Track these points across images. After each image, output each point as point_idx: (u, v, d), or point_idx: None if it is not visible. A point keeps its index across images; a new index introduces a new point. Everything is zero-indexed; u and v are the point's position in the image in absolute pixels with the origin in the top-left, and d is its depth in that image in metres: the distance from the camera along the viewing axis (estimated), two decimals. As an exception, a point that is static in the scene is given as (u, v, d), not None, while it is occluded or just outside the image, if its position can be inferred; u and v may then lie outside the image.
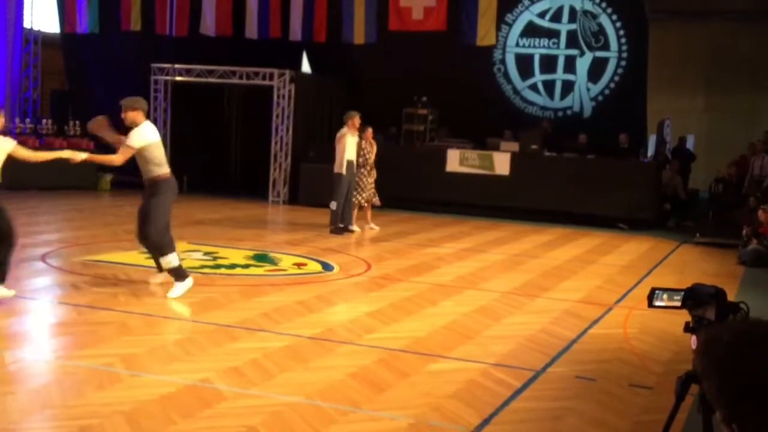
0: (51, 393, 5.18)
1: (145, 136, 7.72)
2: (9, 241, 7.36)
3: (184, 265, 8.23)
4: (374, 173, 13.11)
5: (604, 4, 17.49)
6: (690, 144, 18.57)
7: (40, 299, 7.67)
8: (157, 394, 5.14)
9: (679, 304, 2.95)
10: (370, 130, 13.02)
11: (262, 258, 10.28)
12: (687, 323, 2.94)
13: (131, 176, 17.53)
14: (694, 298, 2.91)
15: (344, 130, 12.58)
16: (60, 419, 4.71)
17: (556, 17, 17.76)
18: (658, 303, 2.99)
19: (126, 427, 4.58)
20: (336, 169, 12.62)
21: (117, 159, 7.83)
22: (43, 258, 9.46)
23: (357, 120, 12.60)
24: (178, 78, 17.18)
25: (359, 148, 12.79)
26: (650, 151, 17.15)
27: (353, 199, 12.87)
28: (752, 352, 1.87)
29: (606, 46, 17.51)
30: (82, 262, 9.34)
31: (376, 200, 13.22)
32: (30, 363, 5.86)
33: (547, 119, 17.50)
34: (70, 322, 6.93)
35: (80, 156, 7.64)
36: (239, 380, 5.53)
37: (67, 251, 10.12)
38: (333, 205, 12.62)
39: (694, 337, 2.83)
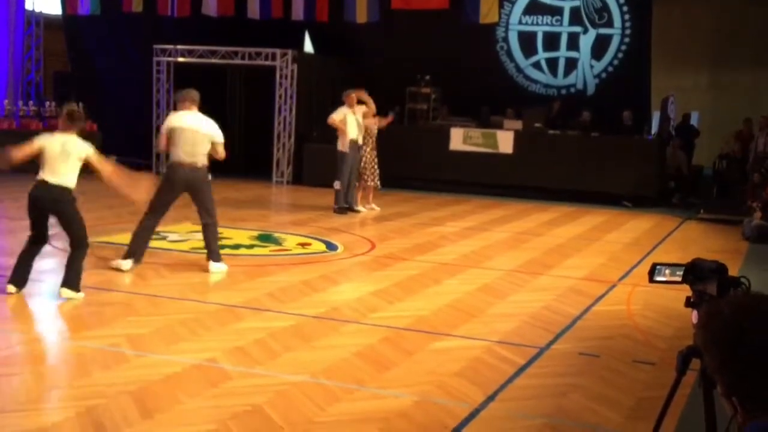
0: (58, 374, 5.22)
1: None
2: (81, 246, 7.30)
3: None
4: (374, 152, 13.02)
5: (607, -19, 17.38)
6: (694, 121, 18.52)
7: (46, 281, 7.69)
8: (163, 373, 5.18)
9: (680, 279, 2.96)
10: (353, 96, 12.58)
11: (266, 238, 10.30)
12: (688, 298, 2.95)
13: (133, 158, 17.60)
14: (695, 273, 2.92)
15: (344, 108, 12.53)
16: (67, 399, 4.75)
17: (559, -6, 17.67)
18: (659, 278, 3.00)
19: (132, 406, 4.62)
20: (339, 148, 12.60)
21: None
22: (48, 240, 9.46)
23: (353, 97, 12.53)
24: (180, 59, 17.13)
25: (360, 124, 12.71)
26: (654, 129, 17.10)
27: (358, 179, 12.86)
28: (753, 326, 1.88)
29: (609, 23, 17.41)
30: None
31: (377, 182, 13.11)
32: (36, 344, 5.90)
33: (558, 99, 17.39)
34: (76, 303, 6.96)
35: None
36: (244, 359, 5.56)
37: (72, 233, 10.12)
38: (337, 184, 12.61)
39: (695, 312, 2.84)
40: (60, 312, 6.83)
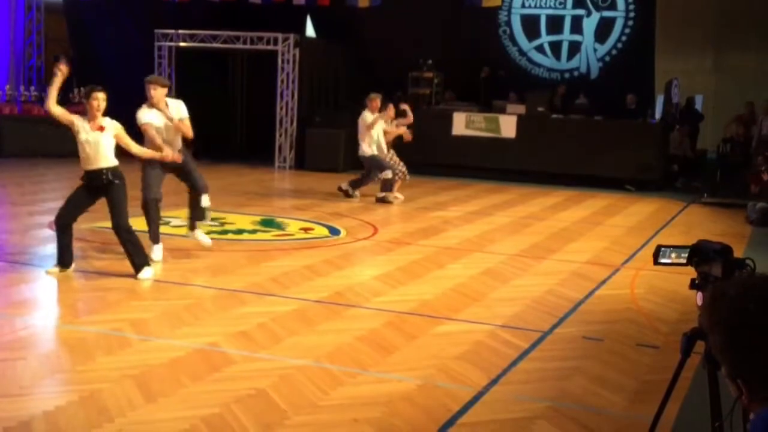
0: (61, 358, 5.23)
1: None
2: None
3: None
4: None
5: (610, -37, 17.28)
6: (698, 104, 18.43)
7: (49, 266, 7.69)
8: (166, 358, 5.19)
9: (685, 261, 2.95)
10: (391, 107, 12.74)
11: (268, 223, 10.30)
12: (693, 280, 2.94)
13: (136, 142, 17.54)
14: (700, 254, 2.90)
15: (368, 113, 12.29)
16: (70, 383, 4.75)
17: (563, -23, 17.57)
18: (664, 260, 2.99)
19: (136, 390, 4.63)
20: (368, 153, 12.34)
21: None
22: (50, 225, 9.46)
23: (378, 102, 12.43)
24: (182, 44, 17.07)
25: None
26: (658, 112, 17.04)
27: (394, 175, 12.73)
28: (758, 307, 1.87)
29: (613, 6, 17.32)
30: (89, 228, 9.35)
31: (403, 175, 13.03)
32: (40, 329, 5.91)
33: (563, 85, 17.30)
34: (79, 288, 6.97)
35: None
36: (248, 344, 5.56)
37: (75, 218, 10.12)
38: (388, 173, 12.34)
39: (699, 294, 2.84)
40: (63, 297, 6.84)
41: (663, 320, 6.64)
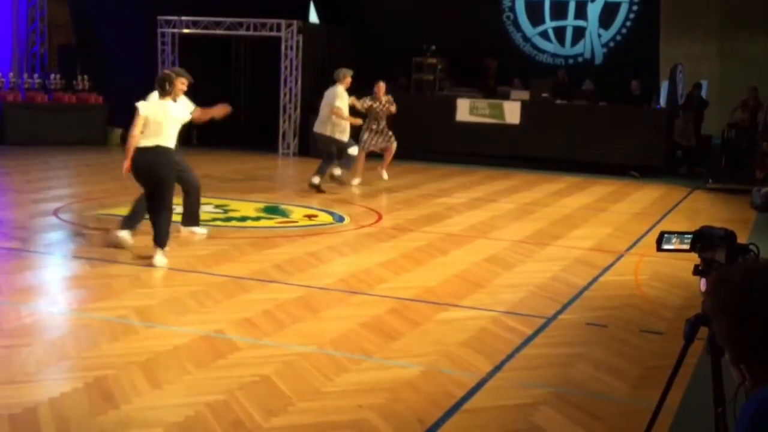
0: (66, 345, 5.24)
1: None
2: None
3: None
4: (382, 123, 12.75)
5: (615, -53, 17.18)
6: (703, 90, 18.36)
7: (54, 253, 7.72)
8: (171, 344, 5.20)
9: (688, 247, 2.95)
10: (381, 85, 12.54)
11: (273, 210, 10.30)
12: (696, 266, 2.93)
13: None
14: (703, 240, 2.90)
15: (341, 88, 12.07)
16: (76, 370, 4.77)
17: (567, -39, 17.47)
18: (667, 246, 2.98)
19: (141, 376, 4.65)
20: (338, 136, 11.98)
21: None
22: (55, 213, 9.50)
23: (350, 78, 12.26)
24: (185, 30, 17.03)
25: (373, 107, 12.52)
26: (663, 98, 16.98)
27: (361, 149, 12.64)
28: (762, 294, 1.87)
29: (617, -9, 17.23)
30: (94, 216, 9.38)
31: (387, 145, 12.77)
32: (45, 316, 5.93)
33: (564, 70, 17.24)
34: (84, 275, 6.99)
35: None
36: (252, 331, 5.58)
37: (79, 206, 10.15)
38: (354, 150, 12.15)
39: (703, 280, 2.83)
40: (68, 284, 6.86)
41: (667, 306, 6.64)
